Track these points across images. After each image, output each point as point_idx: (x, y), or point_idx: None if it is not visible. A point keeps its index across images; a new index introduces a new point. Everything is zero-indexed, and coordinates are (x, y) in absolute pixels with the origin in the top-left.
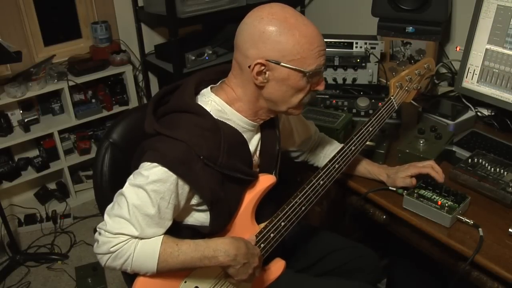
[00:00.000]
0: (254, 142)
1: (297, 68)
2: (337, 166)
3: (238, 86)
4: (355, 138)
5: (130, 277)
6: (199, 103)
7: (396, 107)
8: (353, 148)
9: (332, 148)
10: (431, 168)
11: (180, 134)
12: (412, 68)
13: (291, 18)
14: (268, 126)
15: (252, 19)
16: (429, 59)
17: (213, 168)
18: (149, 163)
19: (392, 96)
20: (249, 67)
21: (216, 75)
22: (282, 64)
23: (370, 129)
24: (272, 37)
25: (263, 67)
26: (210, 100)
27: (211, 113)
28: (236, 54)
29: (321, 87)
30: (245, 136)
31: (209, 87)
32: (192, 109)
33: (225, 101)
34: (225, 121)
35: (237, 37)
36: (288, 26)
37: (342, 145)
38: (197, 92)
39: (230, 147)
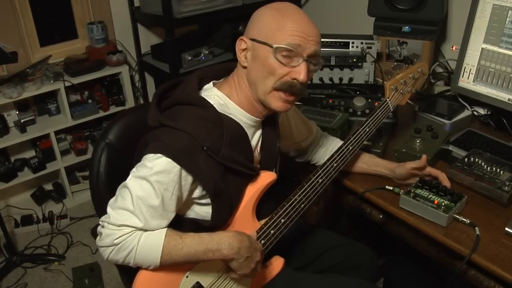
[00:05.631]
0: (255, 138)
1: (263, 41)
2: (335, 165)
3: (235, 73)
4: (352, 138)
5: (128, 277)
6: (202, 96)
7: (392, 109)
8: (350, 148)
9: (334, 146)
10: (441, 173)
11: (184, 125)
12: (407, 71)
13: (287, 8)
14: (269, 124)
15: (259, 9)
16: (422, 63)
17: (215, 160)
18: (152, 154)
19: (388, 98)
20: None
21: (218, 72)
22: (254, 38)
23: (367, 129)
24: (258, 17)
25: (244, 45)
26: (213, 95)
27: (214, 106)
28: None
29: (298, 75)
30: (247, 131)
31: (211, 83)
32: (195, 101)
33: (227, 96)
34: (227, 115)
35: None
36: (278, 11)
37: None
38: (199, 88)
39: (232, 140)
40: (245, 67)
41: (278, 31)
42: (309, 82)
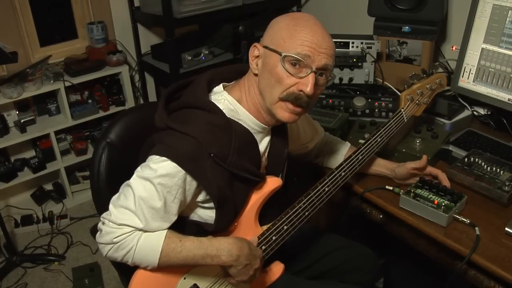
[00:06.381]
0: (263, 144)
1: (274, 48)
2: (343, 174)
3: (247, 78)
4: (363, 148)
5: (126, 278)
6: (212, 100)
7: (406, 120)
8: (360, 157)
9: (338, 147)
10: (441, 172)
11: (191, 130)
12: (424, 82)
13: (303, 18)
14: (278, 130)
15: (277, 17)
16: (441, 74)
17: (222, 166)
18: (158, 157)
19: (403, 108)
20: None
21: (229, 74)
22: (264, 45)
23: (379, 139)
24: (274, 25)
25: (256, 52)
26: (223, 99)
27: (223, 111)
28: None
29: (304, 88)
30: (255, 137)
31: (221, 85)
32: (204, 105)
33: (238, 101)
34: (236, 121)
35: None
36: (293, 20)
37: (348, 143)
38: (209, 90)
39: (240, 146)
40: (256, 75)
41: (289, 40)
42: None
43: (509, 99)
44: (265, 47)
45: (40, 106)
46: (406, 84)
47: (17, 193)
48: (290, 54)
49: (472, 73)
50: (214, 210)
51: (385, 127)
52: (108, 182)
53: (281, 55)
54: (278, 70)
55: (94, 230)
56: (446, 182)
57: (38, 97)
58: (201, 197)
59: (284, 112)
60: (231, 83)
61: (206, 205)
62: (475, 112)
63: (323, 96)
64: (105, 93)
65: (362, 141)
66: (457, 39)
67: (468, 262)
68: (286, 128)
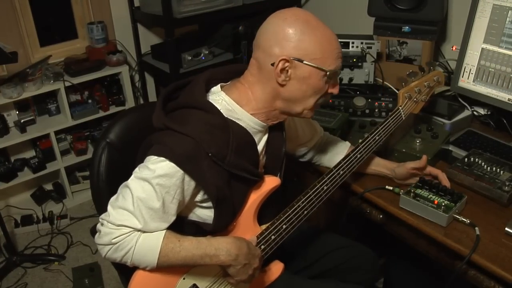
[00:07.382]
0: (262, 143)
1: (318, 66)
2: (341, 172)
3: (255, 84)
4: (361, 146)
5: (126, 278)
6: (209, 100)
7: (404, 118)
8: (358, 156)
9: (338, 147)
10: (441, 172)
11: (189, 130)
12: (422, 79)
13: (312, 21)
14: (276, 128)
15: (276, 19)
16: (438, 71)
17: (220, 166)
18: (156, 157)
19: (401, 106)
20: (272, 64)
21: (226, 75)
22: (305, 62)
23: (377, 137)
24: (296, 36)
25: (286, 64)
26: (220, 99)
27: (221, 111)
28: (257, 53)
29: (335, 91)
30: (254, 137)
31: (218, 86)
32: (202, 105)
33: (235, 101)
34: (234, 120)
35: (259, 36)
36: (311, 27)
37: (347, 143)
38: (207, 90)
39: (238, 146)
40: (281, 85)
41: (328, 54)
42: None
43: (509, 99)
44: (298, 60)
45: (40, 106)
46: (403, 82)
47: (17, 193)
48: (334, 70)
49: (472, 73)
50: (213, 210)
51: (383, 125)
52: (108, 182)
53: (326, 72)
54: (321, 84)
55: (94, 230)
56: (446, 182)
57: (38, 97)
58: (200, 197)
59: (311, 113)
60: (228, 83)
61: (204, 204)
62: (475, 112)
63: None
64: (105, 93)
65: (361, 141)
66: (457, 39)
67: (468, 262)
68: (283, 127)
